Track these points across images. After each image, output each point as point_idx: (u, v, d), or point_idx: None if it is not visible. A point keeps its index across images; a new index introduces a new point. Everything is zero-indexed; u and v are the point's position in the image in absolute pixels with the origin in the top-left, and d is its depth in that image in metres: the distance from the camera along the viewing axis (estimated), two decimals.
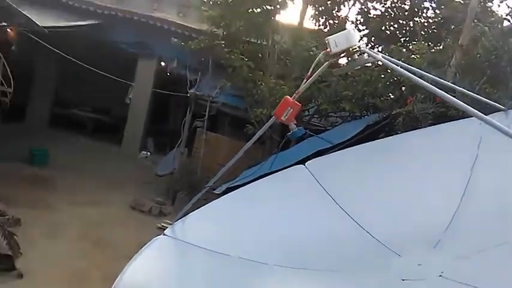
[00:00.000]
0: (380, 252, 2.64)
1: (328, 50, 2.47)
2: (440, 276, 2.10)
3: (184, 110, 11.14)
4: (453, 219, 2.58)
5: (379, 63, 3.58)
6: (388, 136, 4.97)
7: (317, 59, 2.60)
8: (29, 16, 8.20)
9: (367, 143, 3.75)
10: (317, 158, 3.93)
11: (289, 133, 2.92)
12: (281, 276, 2.76)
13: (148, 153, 12.37)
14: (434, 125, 4.07)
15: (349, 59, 2.52)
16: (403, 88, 5.74)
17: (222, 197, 3.52)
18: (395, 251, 2.56)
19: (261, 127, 9.17)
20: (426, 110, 4.76)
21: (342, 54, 2.50)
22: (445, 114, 4.49)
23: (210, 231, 3.17)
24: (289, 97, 2.69)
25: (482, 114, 2.03)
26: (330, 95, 7.74)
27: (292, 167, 3.82)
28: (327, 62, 2.58)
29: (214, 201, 3.42)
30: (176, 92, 11.73)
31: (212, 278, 2.75)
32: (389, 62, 2.44)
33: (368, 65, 8.20)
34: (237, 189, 4.28)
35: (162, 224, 8.17)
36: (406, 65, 2.61)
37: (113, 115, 14.12)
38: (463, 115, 4.31)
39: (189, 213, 3.25)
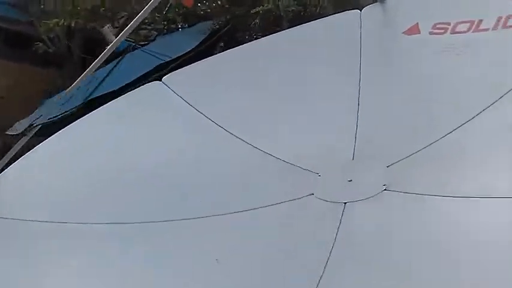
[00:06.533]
0: (291, 174, 2.20)
1: None
2: (386, 190, 1.81)
3: None
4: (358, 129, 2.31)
5: None
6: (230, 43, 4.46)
7: None
8: None
9: (235, 49, 3.09)
10: (173, 73, 3.10)
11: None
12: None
13: None
14: (292, 27, 3.68)
15: None
16: None
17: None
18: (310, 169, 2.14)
19: (55, 45, 7.32)
20: (289, 8, 4.29)
21: None
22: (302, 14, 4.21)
23: None
24: None
25: None
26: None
27: (147, 85, 2.95)
28: None
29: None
30: None
31: None
32: None
33: None
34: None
35: None
36: None
37: None
38: (322, 14, 4.13)
39: None
